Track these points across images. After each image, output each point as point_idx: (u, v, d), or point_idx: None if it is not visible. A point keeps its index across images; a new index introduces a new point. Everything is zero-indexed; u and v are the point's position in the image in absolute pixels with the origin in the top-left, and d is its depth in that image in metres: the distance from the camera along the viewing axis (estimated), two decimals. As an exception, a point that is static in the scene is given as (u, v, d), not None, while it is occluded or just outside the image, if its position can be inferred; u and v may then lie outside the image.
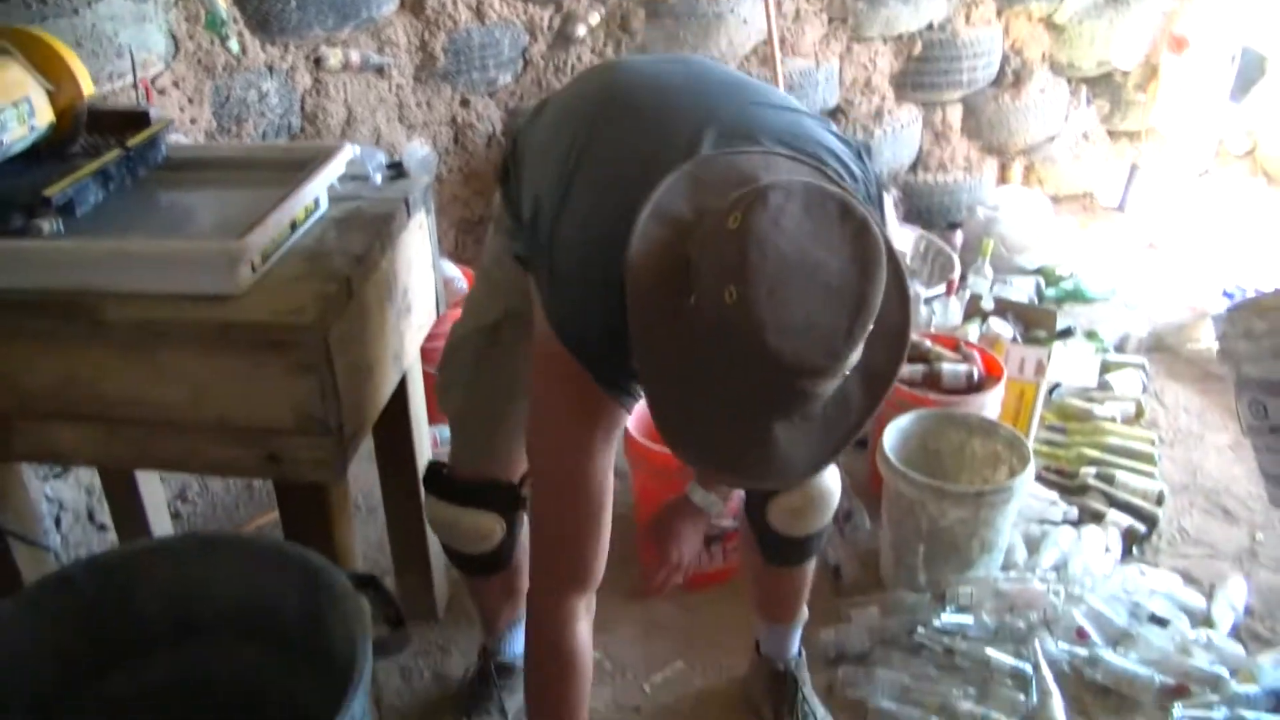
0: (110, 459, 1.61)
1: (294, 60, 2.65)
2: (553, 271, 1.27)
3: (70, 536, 2.12)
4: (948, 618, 1.99)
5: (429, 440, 1.98)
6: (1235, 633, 2.03)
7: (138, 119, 1.65)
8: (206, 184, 1.69)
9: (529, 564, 1.44)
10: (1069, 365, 2.79)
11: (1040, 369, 2.51)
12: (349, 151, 1.68)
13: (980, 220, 3.45)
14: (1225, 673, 1.86)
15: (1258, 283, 3.03)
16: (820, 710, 1.84)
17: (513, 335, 1.54)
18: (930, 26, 3.57)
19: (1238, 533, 2.35)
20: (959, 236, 3.54)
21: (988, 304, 2.96)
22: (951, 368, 2.43)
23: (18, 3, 1.93)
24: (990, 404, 2.35)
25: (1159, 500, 2.36)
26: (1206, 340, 2.96)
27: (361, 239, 1.53)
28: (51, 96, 1.54)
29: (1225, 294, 3.06)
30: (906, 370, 2.37)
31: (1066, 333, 2.94)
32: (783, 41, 3.24)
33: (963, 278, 3.11)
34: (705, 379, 1.06)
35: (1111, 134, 4.00)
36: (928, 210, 3.74)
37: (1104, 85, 3.90)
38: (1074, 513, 2.30)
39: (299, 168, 1.58)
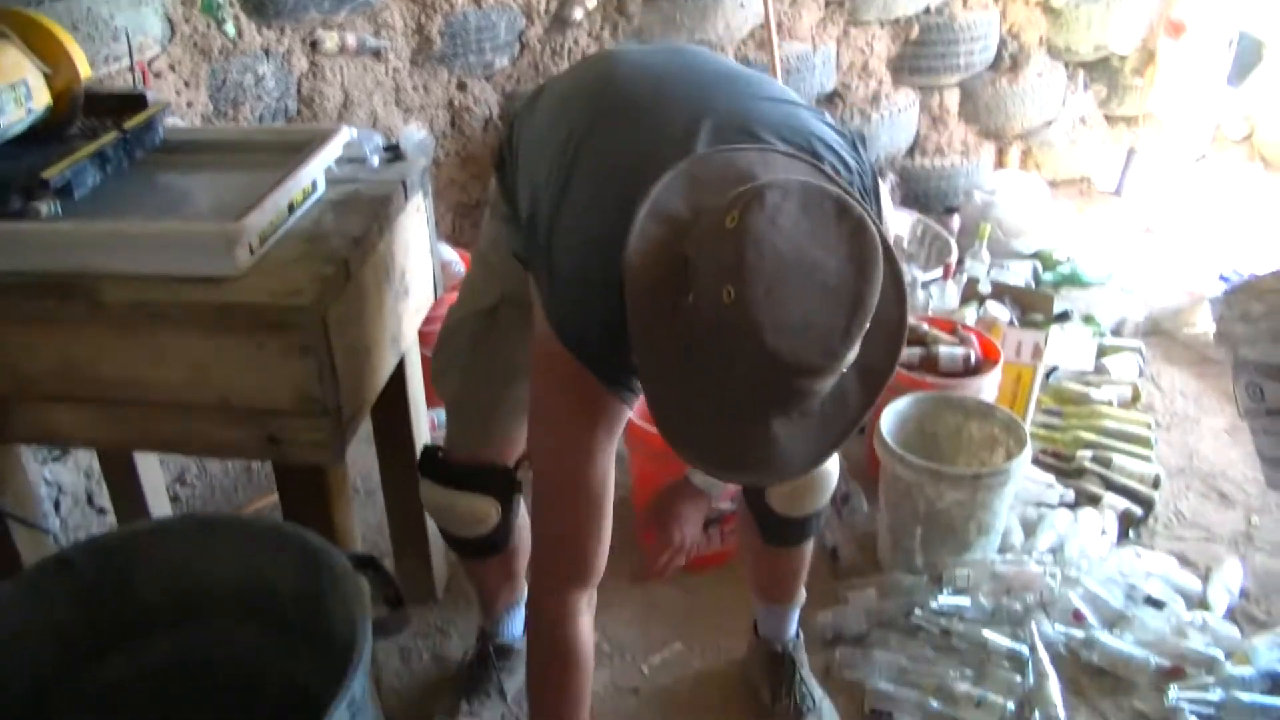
0: (109, 440, 1.61)
1: (290, 43, 2.64)
2: (552, 272, 1.27)
3: (69, 520, 2.12)
4: (945, 600, 2.00)
5: (427, 423, 1.98)
6: (1230, 615, 2.04)
7: (134, 102, 1.65)
8: (203, 167, 1.68)
9: (530, 562, 1.44)
10: (1066, 349, 2.79)
11: (1037, 352, 2.51)
12: (346, 134, 1.68)
13: (977, 204, 3.44)
14: (1220, 655, 1.87)
15: (1255, 266, 3.03)
16: (818, 691, 1.85)
17: (509, 319, 1.54)
18: (928, 10, 3.56)
19: (1233, 516, 2.36)
20: (956, 221, 3.53)
21: (985, 288, 2.96)
22: (949, 351, 2.44)
23: (13, -14, 1.92)
24: (987, 387, 2.35)
25: (1155, 483, 2.37)
26: (1203, 324, 2.97)
27: (359, 221, 1.53)
28: (48, 79, 1.53)
29: (1222, 278, 3.06)
30: (904, 353, 2.36)
31: (1063, 316, 2.94)
32: (780, 25, 3.23)
33: (960, 262, 3.11)
34: (704, 378, 1.07)
35: (1109, 118, 4.00)
36: (925, 194, 3.73)
37: (1101, 70, 3.89)
38: (1070, 496, 2.31)
39: (296, 150, 1.58)
